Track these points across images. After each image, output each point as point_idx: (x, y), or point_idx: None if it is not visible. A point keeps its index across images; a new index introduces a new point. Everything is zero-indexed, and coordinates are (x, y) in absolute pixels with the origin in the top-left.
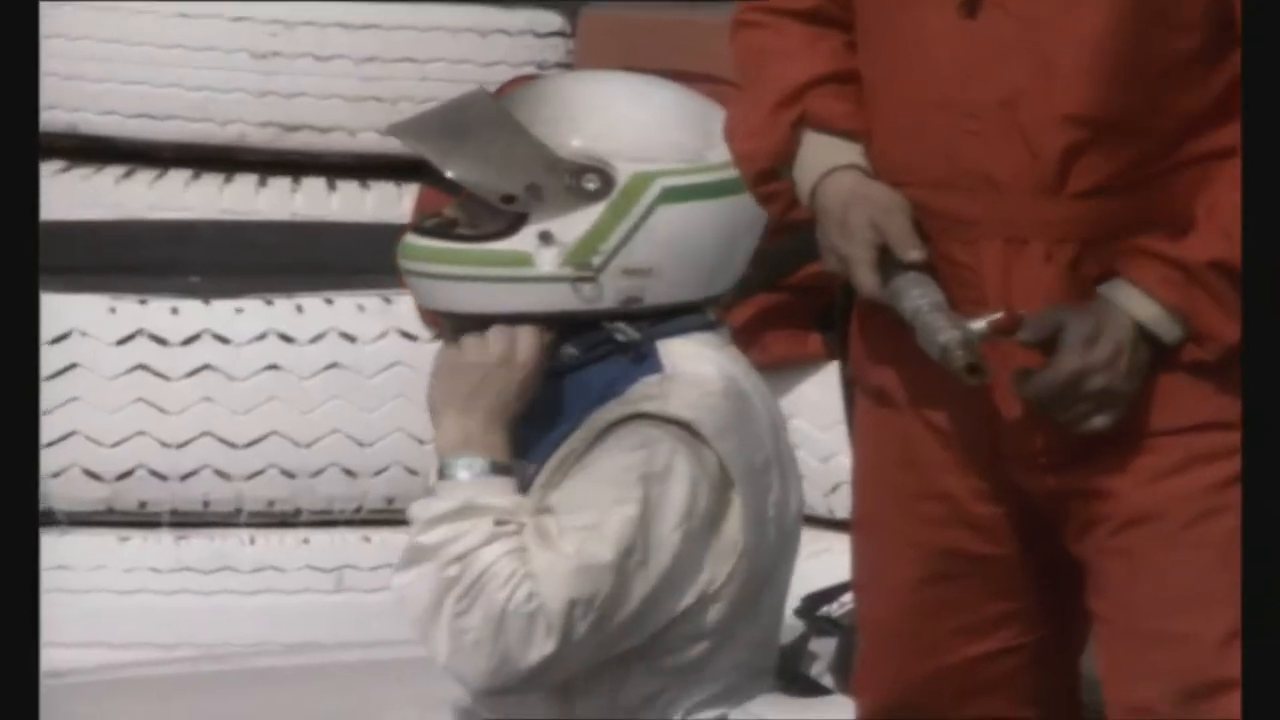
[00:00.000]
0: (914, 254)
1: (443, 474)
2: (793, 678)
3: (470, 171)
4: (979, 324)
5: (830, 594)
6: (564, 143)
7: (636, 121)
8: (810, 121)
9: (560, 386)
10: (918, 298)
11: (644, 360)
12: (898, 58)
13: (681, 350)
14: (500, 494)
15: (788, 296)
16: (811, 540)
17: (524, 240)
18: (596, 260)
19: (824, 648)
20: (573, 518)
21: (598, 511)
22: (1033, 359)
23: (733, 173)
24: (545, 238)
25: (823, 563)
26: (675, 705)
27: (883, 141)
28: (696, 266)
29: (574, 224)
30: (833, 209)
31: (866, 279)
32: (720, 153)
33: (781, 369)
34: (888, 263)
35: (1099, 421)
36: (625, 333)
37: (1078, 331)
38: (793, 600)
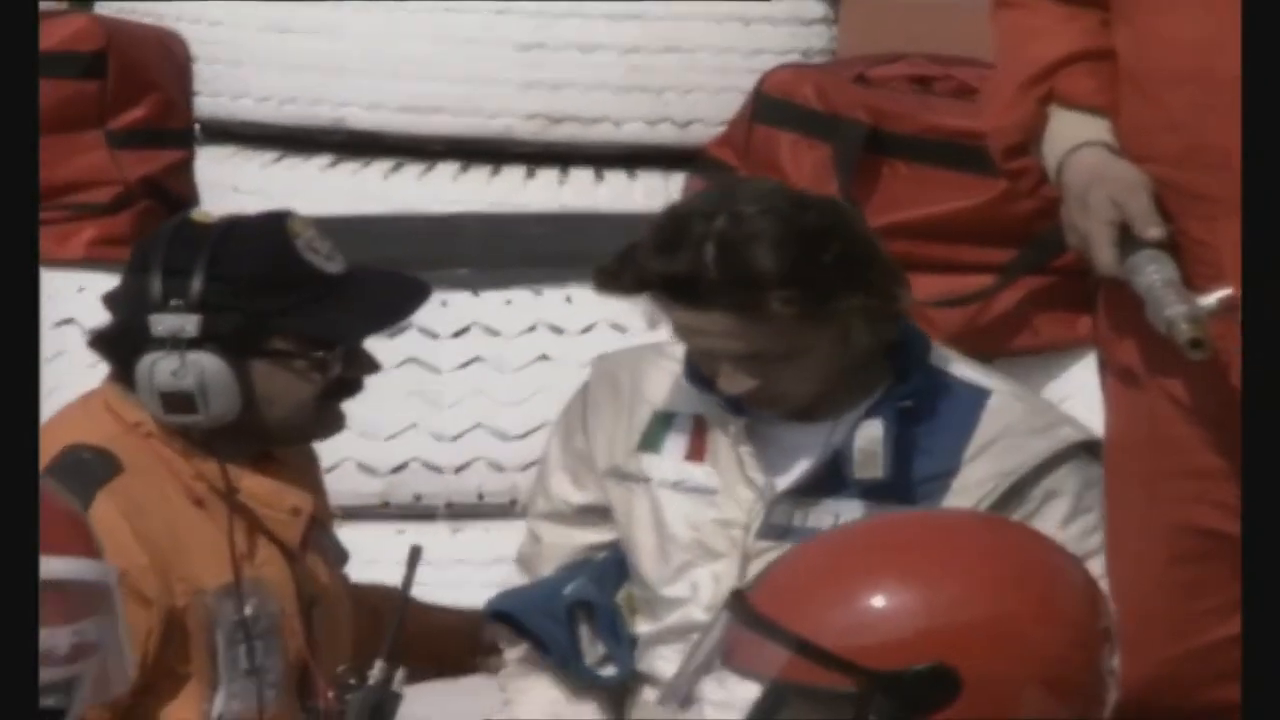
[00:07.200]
0: (1153, 231)
1: None
2: None
3: None
4: (1208, 300)
5: None
6: None
7: None
8: (1058, 98)
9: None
10: (1152, 273)
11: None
12: (1143, 34)
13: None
14: None
15: (1057, 279)
16: None
17: None
18: None
19: None
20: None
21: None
22: None
23: None
24: None
25: None
26: None
27: (1128, 118)
28: None
29: None
30: (1075, 186)
31: (1104, 255)
32: None
33: (1052, 352)
34: (1127, 240)
35: None
36: None
37: None
38: None
